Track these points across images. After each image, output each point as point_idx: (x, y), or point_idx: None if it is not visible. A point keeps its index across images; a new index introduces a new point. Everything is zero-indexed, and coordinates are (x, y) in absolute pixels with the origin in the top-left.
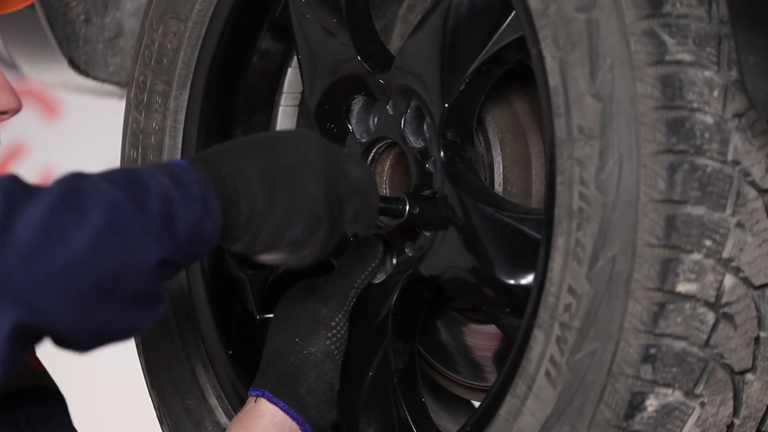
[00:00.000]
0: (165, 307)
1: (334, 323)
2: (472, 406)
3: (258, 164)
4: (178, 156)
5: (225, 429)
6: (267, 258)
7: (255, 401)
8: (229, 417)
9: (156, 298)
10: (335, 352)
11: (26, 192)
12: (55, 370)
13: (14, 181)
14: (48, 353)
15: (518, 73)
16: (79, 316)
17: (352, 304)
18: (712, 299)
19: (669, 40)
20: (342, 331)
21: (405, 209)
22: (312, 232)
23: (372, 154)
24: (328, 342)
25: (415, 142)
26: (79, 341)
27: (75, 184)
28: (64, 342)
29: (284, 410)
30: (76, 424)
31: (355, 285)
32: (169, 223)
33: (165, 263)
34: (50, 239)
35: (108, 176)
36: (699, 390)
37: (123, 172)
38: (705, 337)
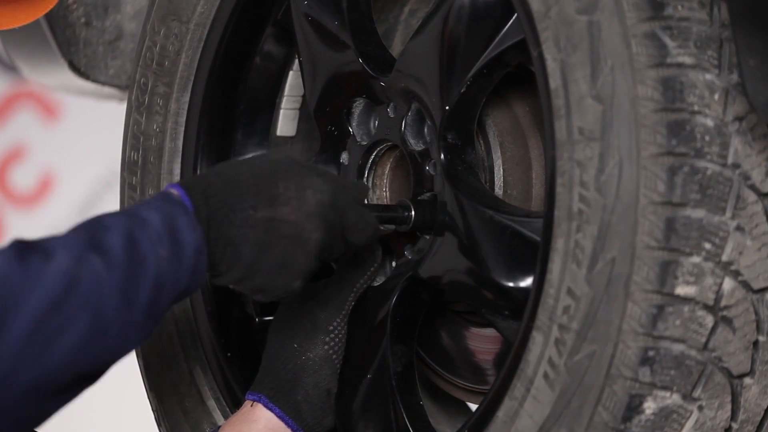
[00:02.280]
0: None
1: (331, 327)
2: (470, 409)
3: (253, 239)
4: (179, 159)
5: (219, 428)
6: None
7: (251, 405)
8: None
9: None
10: (333, 356)
11: (22, 277)
12: None
13: (9, 261)
14: None
15: (518, 76)
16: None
17: (350, 308)
18: (711, 302)
19: (670, 43)
20: (340, 336)
21: (411, 216)
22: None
23: (372, 156)
24: (326, 347)
25: (416, 145)
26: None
27: (74, 271)
28: None
29: (279, 417)
30: (75, 425)
31: (354, 290)
32: (154, 312)
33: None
34: (34, 353)
35: (107, 251)
36: (697, 393)
37: (123, 245)
38: (703, 340)
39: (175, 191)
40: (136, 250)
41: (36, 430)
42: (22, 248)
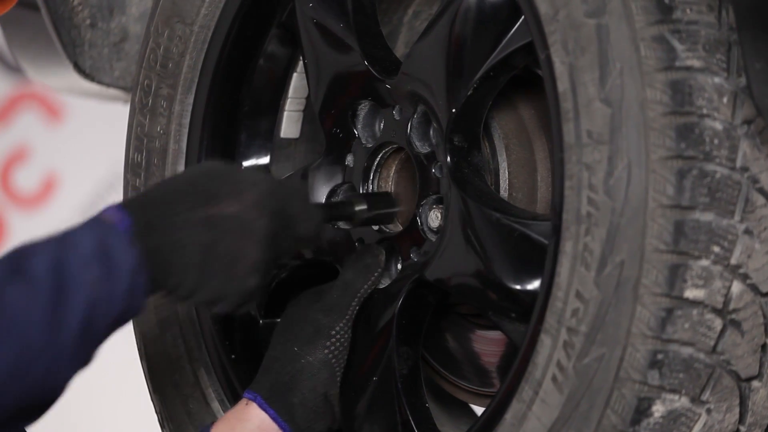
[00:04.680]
0: None
1: (334, 332)
2: (474, 412)
3: (198, 239)
4: (183, 160)
5: (212, 423)
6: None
7: (246, 404)
8: None
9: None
10: (333, 361)
11: None
12: None
13: None
14: None
15: (524, 79)
16: None
17: (354, 313)
18: (719, 306)
19: (679, 46)
20: (342, 341)
21: (354, 211)
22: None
23: (378, 159)
24: (326, 351)
25: (422, 148)
26: None
27: None
28: None
29: (273, 418)
30: (77, 426)
31: (358, 295)
32: (89, 337)
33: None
34: None
35: (29, 276)
36: (705, 396)
37: (48, 269)
38: (712, 343)
39: (109, 212)
40: (62, 273)
41: None
42: None
